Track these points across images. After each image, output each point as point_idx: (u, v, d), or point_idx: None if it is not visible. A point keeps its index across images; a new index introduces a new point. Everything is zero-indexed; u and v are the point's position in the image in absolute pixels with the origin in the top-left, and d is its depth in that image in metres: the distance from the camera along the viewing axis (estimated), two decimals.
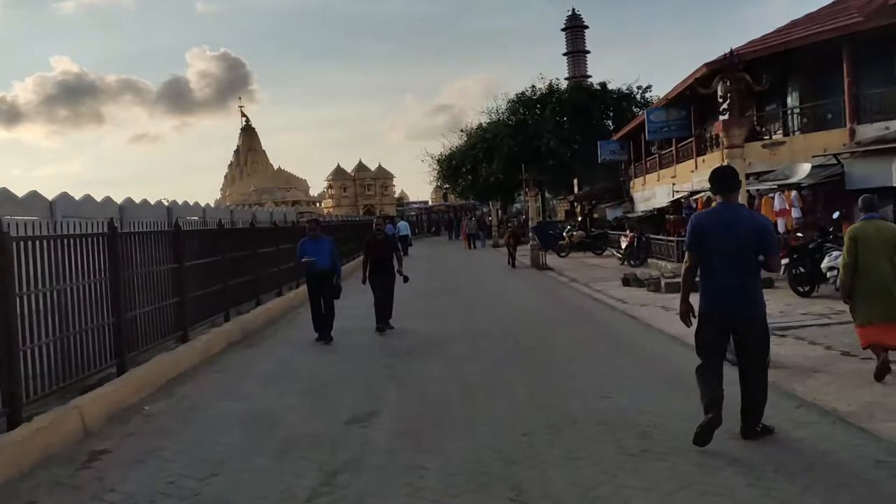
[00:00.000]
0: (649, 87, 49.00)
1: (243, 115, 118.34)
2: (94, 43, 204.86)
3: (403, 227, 42.71)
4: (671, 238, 21.13)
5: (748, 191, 18.11)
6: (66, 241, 7.22)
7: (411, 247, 40.47)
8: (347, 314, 12.65)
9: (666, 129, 25.68)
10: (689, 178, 24.57)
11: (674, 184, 27.12)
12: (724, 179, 5.59)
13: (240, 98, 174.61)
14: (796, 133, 19.47)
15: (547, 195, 57.81)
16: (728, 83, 8.53)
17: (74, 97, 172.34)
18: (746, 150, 8.14)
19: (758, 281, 5.54)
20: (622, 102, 48.59)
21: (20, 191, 9.56)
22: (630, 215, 32.93)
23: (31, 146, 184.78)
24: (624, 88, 49.32)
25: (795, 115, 19.55)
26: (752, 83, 8.62)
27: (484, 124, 53.18)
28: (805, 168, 16.98)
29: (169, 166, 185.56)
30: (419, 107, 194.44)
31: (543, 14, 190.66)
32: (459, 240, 48.79)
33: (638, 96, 49.22)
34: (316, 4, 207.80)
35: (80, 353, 7.34)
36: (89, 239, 7.69)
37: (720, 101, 8.78)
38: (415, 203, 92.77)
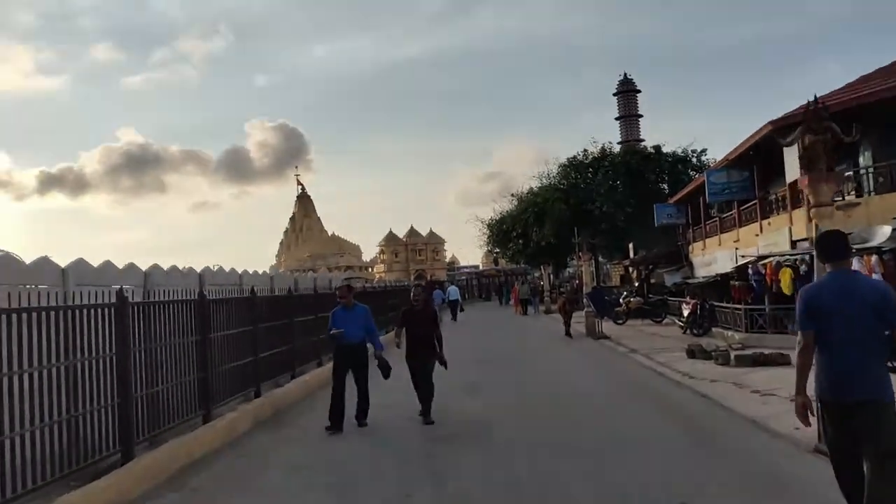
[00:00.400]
0: (704, 150, 47.95)
1: (299, 182, 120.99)
2: (159, 115, 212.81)
3: (453, 291, 41.60)
4: (737, 306, 19.69)
5: None
6: (65, 312, 6.44)
7: (462, 312, 39.52)
8: (385, 388, 11.61)
9: (727, 190, 24.44)
10: (754, 242, 23.18)
11: (737, 248, 25.68)
12: (833, 245, 4.86)
13: (296, 167, 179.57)
14: (871, 194, 18.08)
15: (600, 259, 56.48)
16: (813, 134, 7.47)
17: (138, 167, 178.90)
18: (817, 213, 7.01)
19: (883, 359, 4.72)
20: (677, 166, 47.50)
21: (88, 259, 9.39)
22: (690, 281, 31.39)
23: (96, 215, 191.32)
24: (679, 151, 48.33)
25: (870, 175, 18.19)
26: (841, 134, 7.55)
27: (535, 188, 52.58)
28: (886, 231, 15.55)
29: (228, 234, 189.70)
30: (470, 173, 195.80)
31: (595, 82, 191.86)
32: (510, 305, 47.56)
33: (693, 159, 48.14)
34: (370, 75, 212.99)
35: (78, 438, 6.47)
36: (94, 310, 6.90)
37: (802, 155, 7.71)
38: (465, 267, 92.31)
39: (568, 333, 23.17)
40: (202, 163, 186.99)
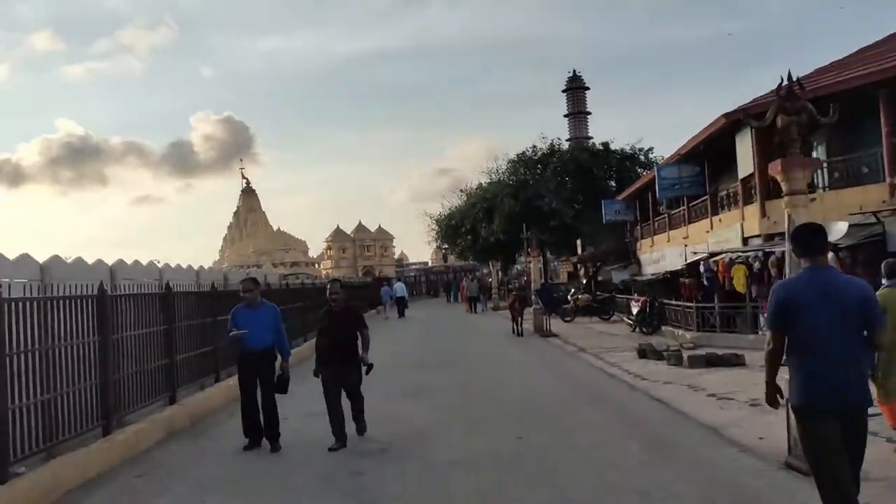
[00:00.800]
0: (651, 148, 47.81)
1: (244, 176, 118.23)
2: (101, 107, 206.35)
3: (400, 288, 40.86)
4: (689, 304, 19.18)
5: (773, 252, 16.28)
6: None
7: (408, 308, 38.82)
8: (310, 393, 10.62)
9: (678, 186, 23.99)
10: (704, 238, 22.78)
11: (686, 245, 25.31)
12: (812, 239, 4.48)
13: (241, 160, 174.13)
14: (826, 189, 17.71)
15: (549, 256, 56.10)
16: (786, 115, 6.74)
17: (79, 159, 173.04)
18: (790, 203, 6.34)
19: (866, 361, 4.59)
20: (625, 163, 47.25)
21: (20, 251, 8.79)
22: (638, 278, 31.08)
23: (34, 207, 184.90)
24: (627, 149, 48.11)
25: (824, 170, 17.82)
26: (817, 115, 6.84)
27: (484, 184, 51.89)
28: (841, 227, 15.12)
29: (172, 228, 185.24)
30: (420, 170, 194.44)
31: (544, 80, 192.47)
32: (458, 302, 46.76)
33: (641, 157, 47.99)
34: (319, 69, 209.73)
35: None
36: None
37: (775, 138, 6.98)
38: (414, 264, 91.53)
39: (517, 332, 22.39)
40: (145, 155, 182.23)
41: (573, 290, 30.20)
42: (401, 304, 38.17)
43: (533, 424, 8.84)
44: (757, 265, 16.52)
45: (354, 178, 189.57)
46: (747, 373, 12.95)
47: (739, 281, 16.87)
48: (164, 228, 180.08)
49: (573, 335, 21.75)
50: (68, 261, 9.72)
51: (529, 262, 30.57)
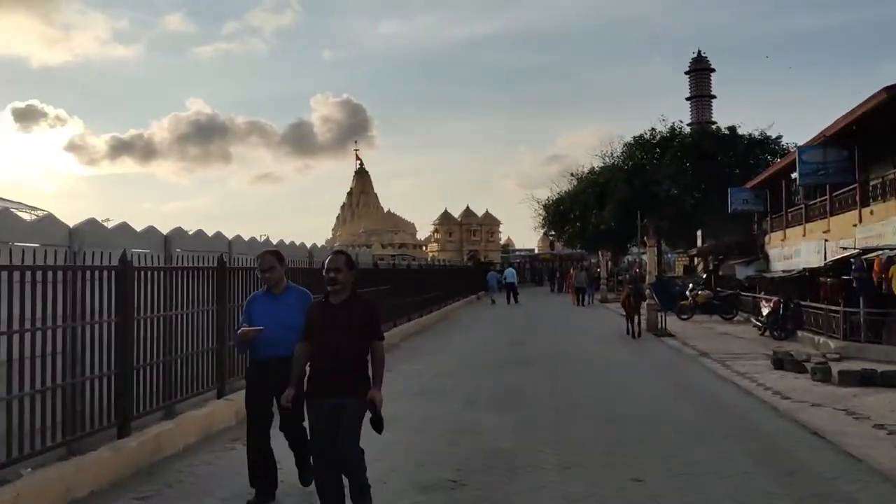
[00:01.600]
0: (780, 136, 43.90)
1: (358, 157, 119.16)
2: (227, 86, 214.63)
3: (510, 273, 39.71)
4: (833, 307, 16.50)
5: None
6: None
7: (518, 295, 37.55)
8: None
9: (822, 171, 20.99)
10: (850, 233, 19.80)
11: (826, 240, 22.31)
12: None
13: (355, 141, 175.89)
14: None
15: (664, 247, 52.87)
16: None
17: (205, 137, 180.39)
18: None
19: None
20: (753, 150, 43.60)
21: (149, 223, 8.63)
22: (766, 275, 28.12)
23: (162, 181, 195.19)
24: (755, 134, 44.37)
25: None
26: None
27: (596, 168, 49.29)
28: None
29: (289, 206, 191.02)
30: (532, 156, 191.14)
31: (664, 67, 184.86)
32: (564, 292, 44.44)
33: (771, 144, 44.16)
34: (435, 54, 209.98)
35: None
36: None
37: None
38: (520, 250, 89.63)
39: (631, 332, 19.45)
40: (267, 135, 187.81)
41: (691, 286, 27.49)
42: (510, 291, 37.09)
43: (651, 460, 6.85)
44: None
45: (465, 163, 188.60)
46: None
47: None
48: (282, 206, 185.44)
49: (692, 336, 19.36)
50: (189, 233, 9.42)
51: (643, 252, 28.20)
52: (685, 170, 42.31)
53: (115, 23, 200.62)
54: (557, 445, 7.39)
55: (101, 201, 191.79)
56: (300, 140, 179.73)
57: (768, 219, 31.78)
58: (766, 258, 31.39)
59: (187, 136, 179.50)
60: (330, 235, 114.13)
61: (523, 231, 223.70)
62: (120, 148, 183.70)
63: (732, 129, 44.62)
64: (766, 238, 32.07)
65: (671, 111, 63.54)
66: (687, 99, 74.98)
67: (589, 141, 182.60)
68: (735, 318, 25.20)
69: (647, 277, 22.49)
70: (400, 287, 19.30)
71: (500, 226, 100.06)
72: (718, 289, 27.25)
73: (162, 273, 7.50)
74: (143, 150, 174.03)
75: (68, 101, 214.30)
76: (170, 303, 7.51)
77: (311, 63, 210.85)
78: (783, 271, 26.11)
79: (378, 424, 4.82)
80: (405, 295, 20.01)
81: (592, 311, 31.58)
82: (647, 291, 22.34)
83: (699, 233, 38.80)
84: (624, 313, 19.95)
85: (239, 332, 5.66)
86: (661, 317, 20.70)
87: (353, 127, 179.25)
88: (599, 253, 46.45)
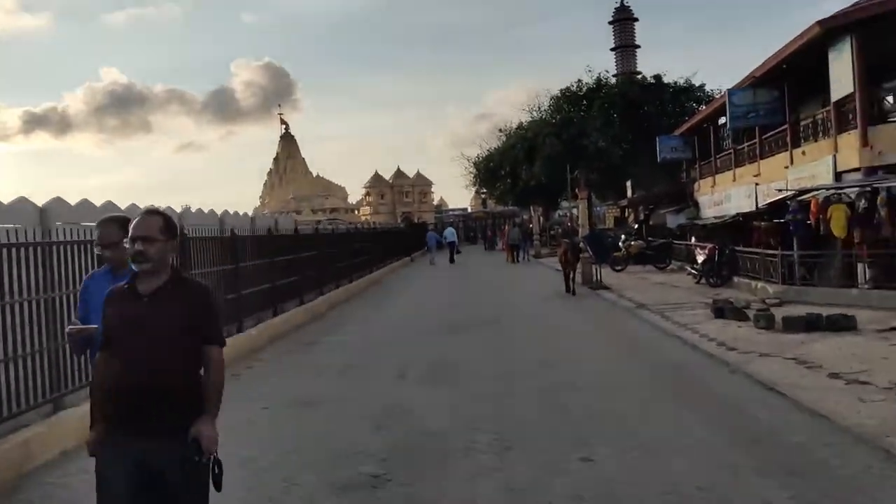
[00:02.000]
0: (703, 85, 43.89)
1: (283, 122, 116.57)
2: (142, 54, 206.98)
3: (450, 233, 40.34)
4: (771, 252, 16.18)
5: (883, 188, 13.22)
6: None
7: (459, 254, 38.18)
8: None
9: (753, 114, 20.58)
10: (781, 175, 19.53)
11: (757, 183, 22.12)
12: None
13: (279, 105, 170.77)
14: None
15: (594, 200, 52.78)
16: None
17: (123, 107, 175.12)
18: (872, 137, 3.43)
19: None
20: (679, 98, 43.47)
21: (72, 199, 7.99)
22: (698, 222, 28.04)
23: (81, 155, 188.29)
24: (681, 82, 44.24)
25: None
26: None
27: (524, 123, 48.55)
28: None
29: (214, 175, 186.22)
30: (460, 116, 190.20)
31: (585, 21, 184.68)
32: (497, 250, 43.91)
33: (697, 91, 44.13)
34: (358, 14, 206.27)
35: None
36: None
37: None
38: (453, 210, 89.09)
39: (569, 289, 18.55)
40: (187, 103, 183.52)
41: (624, 237, 27.15)
42: (451, 249, 37.38)
43: (600, 434, 6.10)
44: (862, 204, 13.49)
45: (394, 124, 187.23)
46: (864, 340, 10.13)
47: (839, 223, 13.86)
48: (208, 176, 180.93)
49: (628, 287, 18.90)
50: (72, 204, 8.28)
51: (574, 206, 27.63)
52: (612, 121, 41.95)
53: None
54: (496, 423, 6.59)
55: (17, 178, 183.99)
56: (222, 107, 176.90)
57: (697, 166, 31.65)
58: (697, 206, 31.30)
59: (104, 107, 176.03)
60: (258, 203, 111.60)
61: (456, 191, 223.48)
62: (33, 122, 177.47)
63: (658, 77, 44.38)
64: (696, 185, 31.97)
65: (597, 63, 63.65)
66: (611, 49, 74.58)
67: (517, 98, 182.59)
68: (668, 268, 24.98)
69: (580, 230, 21.93)
70: (325, 253, 18.23)
71: (433, 186, 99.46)
72: (650, 239, 26.98)
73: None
74: (58, 123, 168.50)
75: None
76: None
77: (230, 27, 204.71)
78: (714, 218, 26.00)
79: (215, 477, 3.02)
80: (331, 261, 18.97)
81: (527, 267, 30.96)
82: (581, 244, 21.82)
83: (628, 183, 38.65)
84: (561, 269, 19.34)
85: (69, 330, 3.74)
86: (597, 270, 20.20)
87: (277, 91, 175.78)
88: (531, 208, 46.01)
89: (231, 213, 13.41)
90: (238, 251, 11.94)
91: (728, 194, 26.03)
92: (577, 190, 22.04)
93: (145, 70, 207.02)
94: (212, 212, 12.50)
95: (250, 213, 15.36)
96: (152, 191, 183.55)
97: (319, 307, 16.24)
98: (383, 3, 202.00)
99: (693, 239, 26.73)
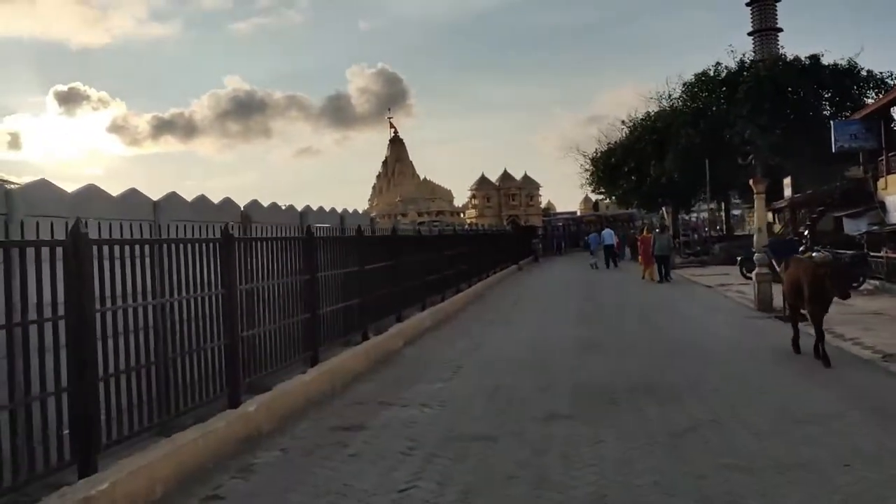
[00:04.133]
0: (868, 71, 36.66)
1: (392, 125, 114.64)
2: (264, 61, 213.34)
3: (608, 235, 34.12)
4: None
5: None
6: None
7: (620, 258, 34.28)
8: None
9: None
10: None
11: None
12: None
13: (389, 109, 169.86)
14: None
15: (732, 201, 45.98)
16: None
17: (244, 113, 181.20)
18: None
19: None
20: (842, 82, 36.40)
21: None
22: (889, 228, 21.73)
23: (205, 159, 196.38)
24: (842, 63, 37.12)
25: None
26: None
27: (652, 113, 42.46)
28: None
29: (330, 178, 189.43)
30: (571, 117, 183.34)
31: (705, 20, 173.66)
32: (610, 264, 35.73)
33: (863, 72, 36.95)
34: (468, 18, 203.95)
35: None
36: None
37: None
38: (562, 214, 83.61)
39: (821, 352, 9.40)
40: (305, 108, 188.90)
41: (802, 246, 20.97)
42: (609, 254, 32.87)
43: None
44: None
45: (502, 127, 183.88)
46: None
47: None
48: (323, 179, 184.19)
49: (843, 321, 13.06)
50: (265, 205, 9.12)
51: (710, 207, 21.53)
52: (762, 108, 35.29)
53: (152, 1, 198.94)
54: None
55: (146, 180, 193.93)
56: (338, 112, 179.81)
57: (885, 158, 25.04)
58: (883, 208, 24.77)
59: (227, 113, 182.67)
60: (367, 205, 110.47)
61: (564, 194, 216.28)
62: (161, 127, 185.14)
63: (815, 58, 37.39)
64: (882, 182, 25.37)
65: (726, 56, 56.86)
66: (749, 34, 66.63)
67: (629, 99, 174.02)
68: (862, 287, 18.84)
69: (756, 237, 16.15)
70: (403, 264, 13.25)
71: (540, 189, 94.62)
72: (837, 251, 20.72)
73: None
74: (184, 128, 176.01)
75: (109, 82, 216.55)
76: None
77: (347, 33, 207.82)
78: None
79: None
80: (412, 275, 13.99)
81: (678, 288, 22.41)
82: (755, 255, 16.11)
83: (787, 181, 31.98)
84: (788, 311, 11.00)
85: None
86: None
87: (391, 96, 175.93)
88: (662, 210, 39.81)
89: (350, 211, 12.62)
90: None
91: None
92: (751, 182, 16.23)
93: (266, 77, 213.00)
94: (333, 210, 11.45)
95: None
96: (270, 193, 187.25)
97: (390, 343, 11.29)
98: (493, 6, 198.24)
99: (886, 249, 20.58)
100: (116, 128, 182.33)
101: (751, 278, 23.03)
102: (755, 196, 16.36)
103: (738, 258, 24.89)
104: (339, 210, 12.47)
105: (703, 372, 9.04)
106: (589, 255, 34.44)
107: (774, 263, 15.00)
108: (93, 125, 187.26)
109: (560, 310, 16.99)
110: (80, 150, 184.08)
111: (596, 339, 12.04)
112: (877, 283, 18.97)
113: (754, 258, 16.03)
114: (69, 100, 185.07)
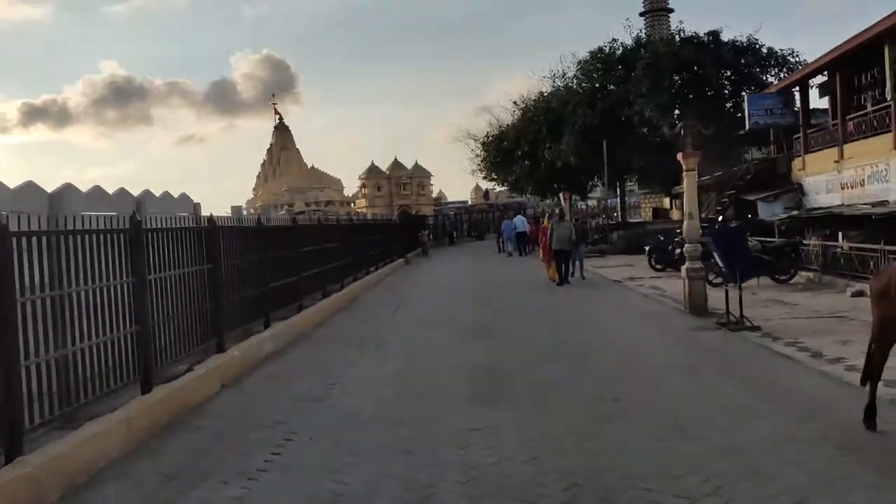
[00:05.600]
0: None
1: (276, 112, 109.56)
2: (143, 47, 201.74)
3: (520, 222, 33.60)
4: None
5: None
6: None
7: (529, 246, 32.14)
8: None
9: None
10: None
11: None
12: None
13: (273, 95, 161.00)
14: None
15: (626, 187, 43.91)
16: None
17: (123, 99, 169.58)
18: None
19: None
20: (744, 58, 34.55)
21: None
22: (816, 212, 19.47)
23: (80, 148, 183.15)
24: (742, 41, 35.29)
25: None
26: None
27: (545, 93, 39.70)
28: None
29: (215, 167, 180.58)
30: (461, 108, 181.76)
31: (589, 14, 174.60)
32: (504, 252, 33.91)
33: (763, 49, 35.21)
34: (359, 6, 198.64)
35: None
36: None
37: None
38: (453, 203, 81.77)
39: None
40: (188, 95, 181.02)
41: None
42: (520, 241, 32.63)
43: None
44: None
45: (392, 117, 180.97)
46: None
47: None
48: (208, 168, 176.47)
49: (796, 329, 10.19)
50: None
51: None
52: (661, 86, 32.94)
53: None
54: None
55: (16, 171, 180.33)
56: (223, 99, 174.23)
57: (802, 135, 22.87)
58: (801, 190, 22.65)
59: (103, 100, 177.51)
60: (251, 195, 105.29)
61: (455, 183, 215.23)
62: (33, 114, 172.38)
63: (714, 34, 35.38)
64: (798, 162, 23.26)
65: (623, 32, 56.26)
66: (641, 14, 65.23)
67: (521, 89, 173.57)
68: (794, 280, 16.40)
69: (686, 224, 13.12)
70: (267, 259, 9.44)
71: (432, 178, 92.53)
72: (765, 240, 18.12)
73: None
74: (57, 115, 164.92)
75: None
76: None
77: (231, 19, 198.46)
78: (846, 206, 17.47)
79: None
80: (276, 272, 10.20)
81: (593, 287, 18.80)
82: (684, 247, 13.10)
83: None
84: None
85: None
86: (726, 290, 11.40)
87: (278, 83, 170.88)
88: (560, 196, 37.04)
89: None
90: None
91: (881, 170, 17.34)
92: (680, 157, 13.19)
93: (146, 63, 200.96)
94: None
95: (242, 205, 10.77)
96: (150, 184, 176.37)
97: (230, 368, 7.47)
98: None
99: (811, 237, 18.50)
100: None
101: (660, 270, 20.93)
102: (685, 173, 13.35)
103: (647, 248, 22.28)
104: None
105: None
106: (502, 243, 34.29)
107: (718, 259, 11.93)
108: None
109: (450, 321, 13.34)
110: None
111: (496, 372, 8.51)
112: (810, 274, 16.57)
113: (685, 250, 13.01)
114: None
